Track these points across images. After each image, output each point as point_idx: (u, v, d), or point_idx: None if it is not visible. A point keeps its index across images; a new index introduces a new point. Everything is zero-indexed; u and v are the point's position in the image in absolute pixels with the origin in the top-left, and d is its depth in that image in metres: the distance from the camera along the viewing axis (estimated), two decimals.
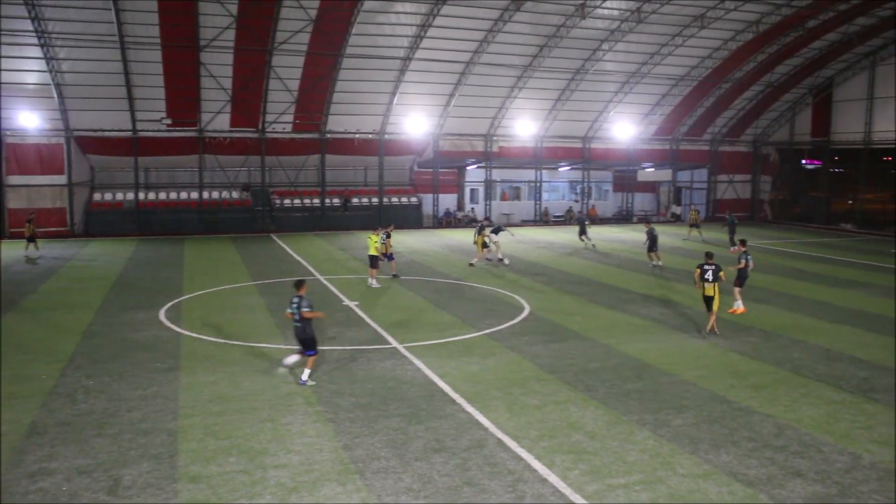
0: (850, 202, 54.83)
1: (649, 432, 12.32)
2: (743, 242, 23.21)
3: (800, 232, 49.73)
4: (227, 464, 10.96)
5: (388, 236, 28.02)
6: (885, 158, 54.04)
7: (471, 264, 31.30)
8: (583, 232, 38.40)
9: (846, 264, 33.43)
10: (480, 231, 31.93)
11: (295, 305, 14.87)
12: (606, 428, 12.50)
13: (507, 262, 32.21)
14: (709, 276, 18.97)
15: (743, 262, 21.60)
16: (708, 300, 19.10)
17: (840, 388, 14.90)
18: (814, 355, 17.42)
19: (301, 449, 11.54)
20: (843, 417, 13.19)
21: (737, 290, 21.68)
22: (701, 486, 10.34)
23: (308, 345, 15.01)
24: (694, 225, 43.04)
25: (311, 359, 15.06)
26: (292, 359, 15.44)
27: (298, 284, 15.39)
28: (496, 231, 32.87)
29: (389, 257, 27.92)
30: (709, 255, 19.72)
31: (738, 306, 21.60)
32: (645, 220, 42.08)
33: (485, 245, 31.55)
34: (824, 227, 52.79)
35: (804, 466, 11.05)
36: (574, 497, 9.98)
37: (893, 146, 50.05)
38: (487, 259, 32.16)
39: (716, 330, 19.30)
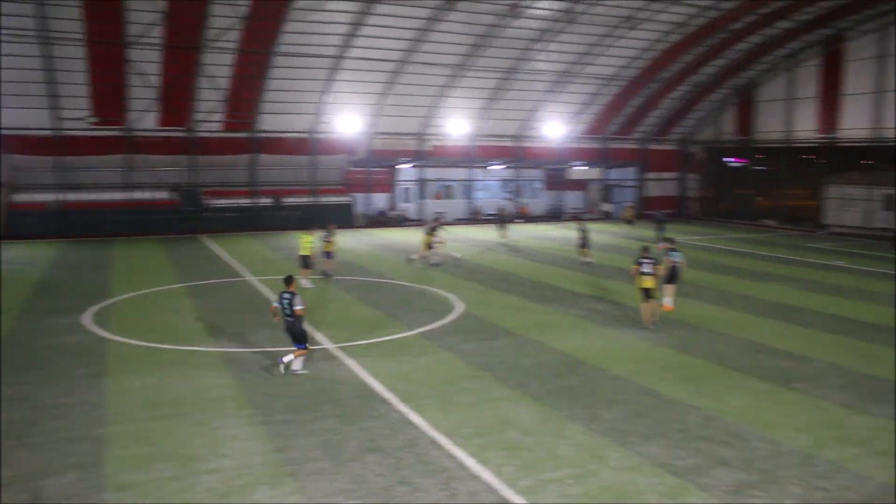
0: (760, 199, 56.49)
1: (581, 426, 12.50)
2: (670, 241, 23.55)
3: (726, 228, 51.09)
4: (156, 470, 10.73)
5: (332, 235, 28.15)
6: (804, 156, 56.03)
7: (411, 258, 31.68)
8: (502, 228, 38.91)
9: (769, 259, 34.50)
10: (432, 231, 31.44)
11: (287, 301, 15.29)
12: (539, 423, 12.65)
13: (457, 255, 33.35)
14: (646, 269, 19.62)
15: (669, 259, 21.94)
16: (646, 292, 19.68)
17: (763, 378, 15.37)
18: (738, 347, 17.93)
19: (233, 453, 11.37)
20: (765, 406, 13.61)
21: (668, 287, 22.07)
22: (632, 478, 10.55)
23: (299, 338, 15.39)
24: (628, 222, 43.84)
25: (302, 351, 15.44)
26: (289, 357, 15.42)
27: (288, 281, 15.85)
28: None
29: (329, 255, 27.98)
30: (645, 249, 20.43)
31: (667, 303, 22.00)
32: (577, 218, 42.76)
33: (430, 246, 31.15)
34: (749, 223, 54.31)
35: (729, 455, 11.36)
36: (507, 493, 10.07)
37: (813, 145, 51.84)
38: (432, 263, 31.20)
39: (656, 321, 19.87)
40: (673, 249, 22.20)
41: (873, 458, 11.33)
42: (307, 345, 15.56)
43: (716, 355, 17.17)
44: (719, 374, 15.65)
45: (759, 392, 14.47)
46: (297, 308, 15.18)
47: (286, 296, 15.34)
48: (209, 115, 43.18)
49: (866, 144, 47.68)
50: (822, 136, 50.16)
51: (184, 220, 44.04)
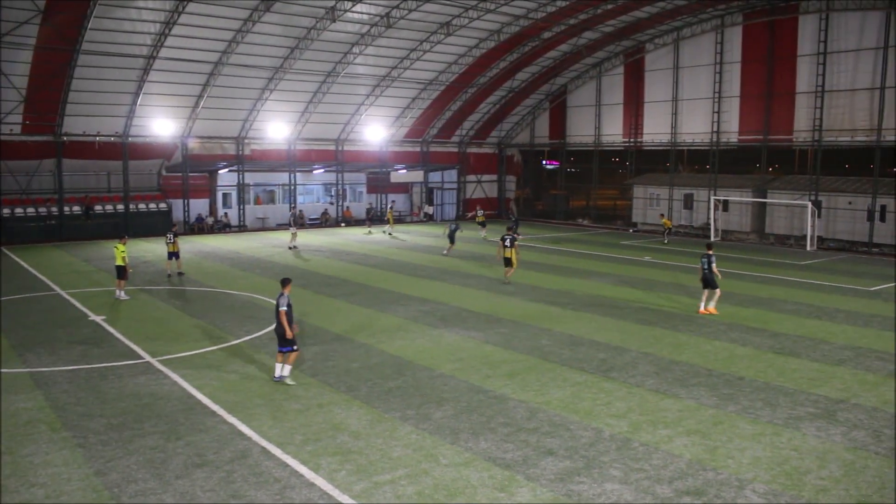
0: (574, 199, 59.69)
1: (412, 427, 12.64)
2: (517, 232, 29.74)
3: (543, 227, 53.31)
4: None
5: (176, 236, 29.11)
6: (613, 159, 59.61)
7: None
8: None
9: (585, 256, 36.34)
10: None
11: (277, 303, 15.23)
12: (370, 426, 12.67)
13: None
14: (507, 242, 27.65)
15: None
16: (507, 260, 27.60)
17: (582, 369, 16.18)
18: (559, 341, 18.77)
19: (46, 481, 10.56)
20: (585, 396, 14.33)
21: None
22: (463, 474, 10.77)
23: (283, 341, 15.00)
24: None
25: (293, 354, 15.12)
26: (284, 371, 15.24)
27: (285, 283, 15.63)
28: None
29: (175, 256, 29.04)
30: (509, 229, 31.10)
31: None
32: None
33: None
34: (564, 222, 57.07)
35: (555, 445, 11.87)
36: (342, 498, 10.01)
37: (620, 148, 55.18)
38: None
39: (510, 280, 27.51)
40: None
41: (683, 438, 12.21)
42: (294, 347, 15.07)
43: (538, 350, 17.89)
44: (542, 368, 16.31)
45: (580, 383, 15.22)
46: (282, 309, 14.97)
47: (280, 298, 15.12)
48: (6, 117, 39.94)
49: (666, 148, 51.31)
50: (628, 140, 53.49)
51: None
